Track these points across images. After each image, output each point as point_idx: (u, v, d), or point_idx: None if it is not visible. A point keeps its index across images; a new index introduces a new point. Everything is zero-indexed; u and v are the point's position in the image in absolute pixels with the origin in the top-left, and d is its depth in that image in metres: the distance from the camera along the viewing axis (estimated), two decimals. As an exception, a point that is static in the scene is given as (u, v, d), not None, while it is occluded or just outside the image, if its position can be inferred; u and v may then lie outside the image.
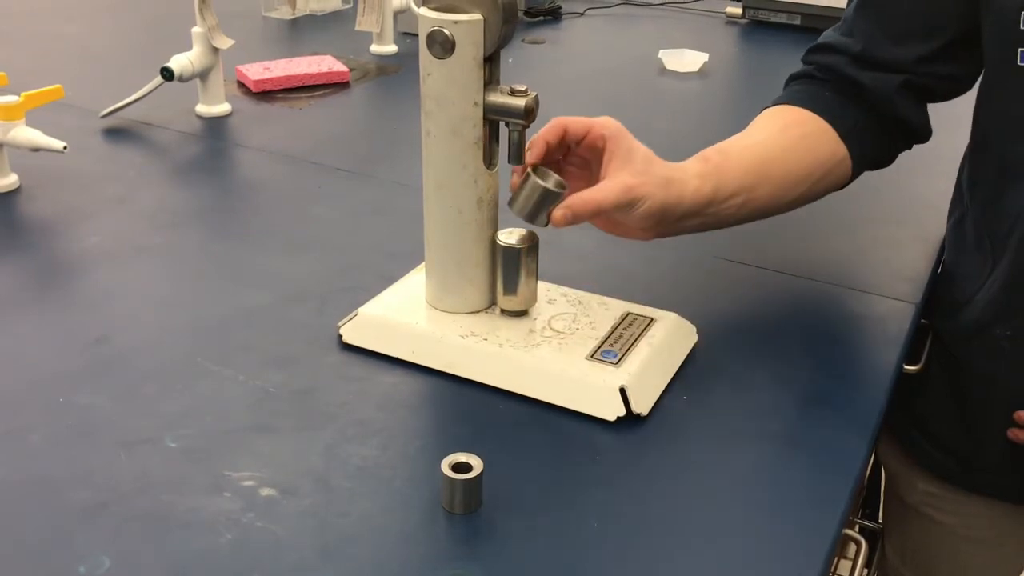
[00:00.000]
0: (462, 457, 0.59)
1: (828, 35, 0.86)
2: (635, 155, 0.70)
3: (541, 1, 1.76)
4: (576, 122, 0.71)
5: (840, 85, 0.84)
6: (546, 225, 0.69)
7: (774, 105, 0.86)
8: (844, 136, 0.81)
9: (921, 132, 0.85)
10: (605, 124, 0.71)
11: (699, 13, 1.81)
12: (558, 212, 0.68)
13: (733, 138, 0.81)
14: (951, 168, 0.89)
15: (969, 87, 0.83)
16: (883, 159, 0.87)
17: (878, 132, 0.84)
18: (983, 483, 0.86)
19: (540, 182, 0.69)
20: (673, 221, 0.74)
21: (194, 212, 0.98)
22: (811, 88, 0.85)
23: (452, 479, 0.58)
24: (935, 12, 0.79)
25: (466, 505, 0.59)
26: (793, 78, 0.89)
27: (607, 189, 0.69)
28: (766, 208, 0.80)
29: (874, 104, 0.82)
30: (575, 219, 0.69)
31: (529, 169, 0.69)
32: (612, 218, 0.73)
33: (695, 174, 0.74)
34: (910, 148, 0.87)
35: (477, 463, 0.58)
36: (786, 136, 0.81)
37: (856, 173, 0.84)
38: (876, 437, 0.69)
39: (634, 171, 0.70)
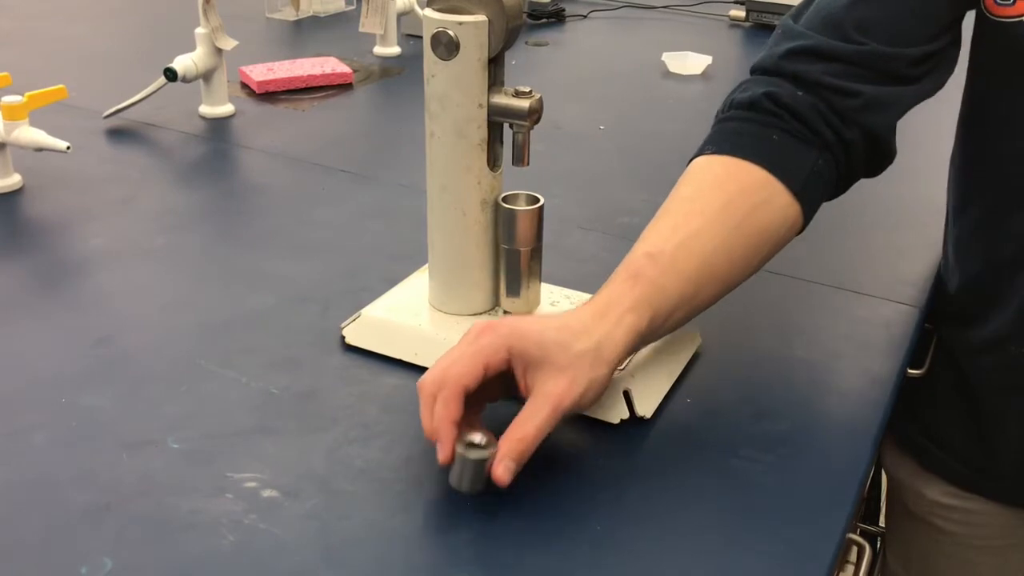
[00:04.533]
0: (476, 437, 0.58)
1: (802, 33, 0.73)
2: (546, 348, 0.59)
3: (545, 4, 1.76)
4: (469, 372, 0.58)
5: (800, 119, 0.71)
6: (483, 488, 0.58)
7: (710, 153, 0.72)
8: (798, 193, 0.69)
9: (889, 160, 0.75)
10: (496, 348, 0.59)
11: (702, 16, 1.81)
12: (498, 470, 0.57)
13: (664, 224, 0.67)
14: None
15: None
16: (828, 199, 0.75)
17: (830, 178, 0.72)
18: (998, 490, 0.85)
19: (463, 454, 0.58)
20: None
21: (197, 213, 0.98)
22: (754, 128, 0.72)
23: (464, 457, 0.57)
24: (938, 11, 0.72)
25: (473, 483, 0.58)
26: (732, 107, 0.74)
27: (534, 412, 0.58)
28: (708, 305, 0.69)
29: (860, 122, 0.71)
30: (518, 463, 0.57)
31: (456, 447, 0.58)
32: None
33: (626, 308, 0.62)
34: (854, 181, 0.76)
35: (491, 441, 0.58)
36: (730, 214, 0.67)
37: (802, 231, 0.73)
38: (880, 442, 0.69)
39: (554, 370, 0.58)
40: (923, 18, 0.73)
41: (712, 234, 0.66)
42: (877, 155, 0.74)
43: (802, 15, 0.75)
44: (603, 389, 0.61)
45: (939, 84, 0.75)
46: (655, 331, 0.65)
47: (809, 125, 0.71)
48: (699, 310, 0.68)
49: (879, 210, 0.99)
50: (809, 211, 0.72)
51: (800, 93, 0.72)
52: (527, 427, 0.57)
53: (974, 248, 0.82)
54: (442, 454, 0.58)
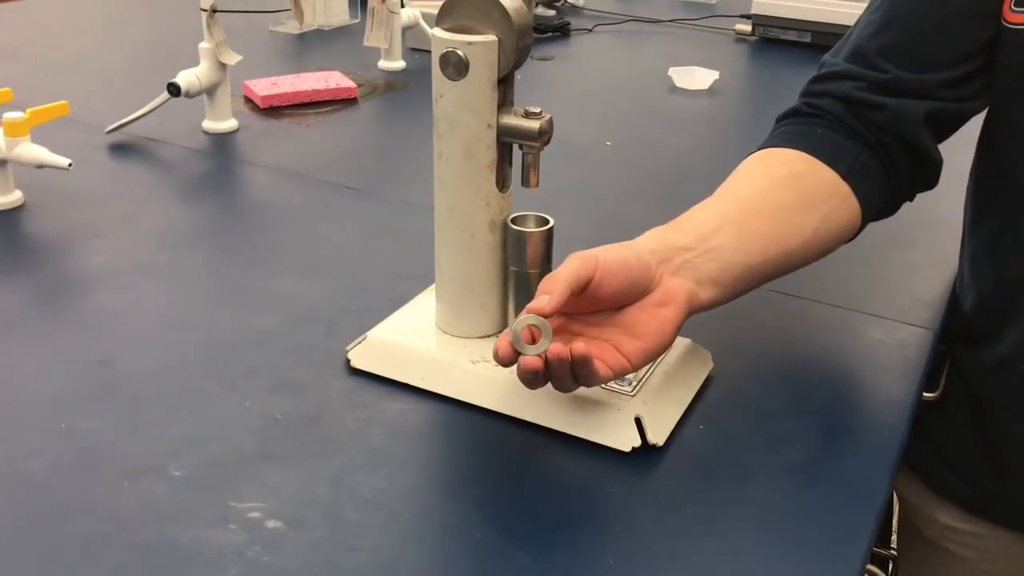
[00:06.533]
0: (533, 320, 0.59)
1: (838, 64, 0.78)
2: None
3: (549, 17, 1.75)
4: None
5: (839, 120, 0.76)
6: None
7: (756, 151, 0.77)
8: (844, 175, 0.73)
9: (934, 168, 0.78)
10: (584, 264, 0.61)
11: (708, 30, 1.80)
12: (539, 300, 0.60)
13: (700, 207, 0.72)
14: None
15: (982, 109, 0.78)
16: (887, 206, 0.79)
17: (878, 171, 0.76)
18: (1009, 516, 0.84)
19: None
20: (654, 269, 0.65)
21: (200, 230, 0.96)
22: (797, 128, 0.77)
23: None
24: (965, 33, 0.74)
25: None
26: (777, 121, 0.81)
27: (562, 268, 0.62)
28: (771, 244, 0.70)
29: (892, 131, 0.75)
30: (555, 300, 0.59)
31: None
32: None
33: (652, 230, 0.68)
34: (911, 198, 0.80)
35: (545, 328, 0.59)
36: (769, 176, 0.72)
37: (866, 216, 0.76)
38: (897, 468, 0.67)
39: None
40: (946, 41, 0.73)
41: (749, 186, 0.72)
42: (919, 161, 0.77)
43: (839, 53, 0.80)
44: (621, 253, 0.63)
45: (979, 107, 0.77)
46: (686, 246, 0.67)
47: (847, 124, 0.76)
48: (741, 251, 0.68)
49: (891, 229, 0.97)
50: (865, 196, 0.74)
51: (836, 103, 0.77)
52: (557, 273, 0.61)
53: (987, 264, 0.81)
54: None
